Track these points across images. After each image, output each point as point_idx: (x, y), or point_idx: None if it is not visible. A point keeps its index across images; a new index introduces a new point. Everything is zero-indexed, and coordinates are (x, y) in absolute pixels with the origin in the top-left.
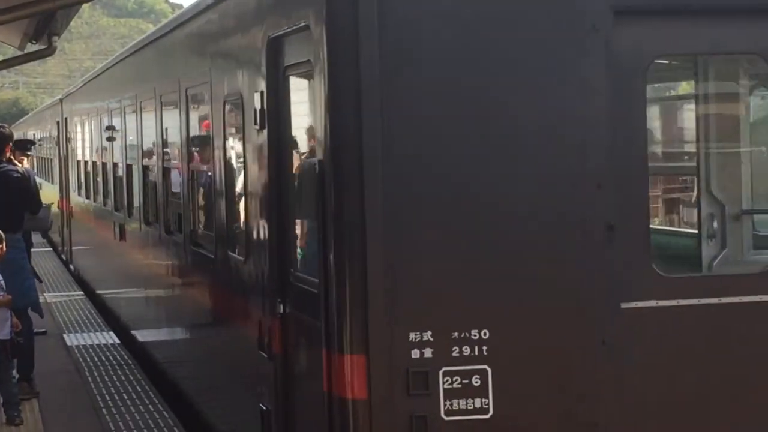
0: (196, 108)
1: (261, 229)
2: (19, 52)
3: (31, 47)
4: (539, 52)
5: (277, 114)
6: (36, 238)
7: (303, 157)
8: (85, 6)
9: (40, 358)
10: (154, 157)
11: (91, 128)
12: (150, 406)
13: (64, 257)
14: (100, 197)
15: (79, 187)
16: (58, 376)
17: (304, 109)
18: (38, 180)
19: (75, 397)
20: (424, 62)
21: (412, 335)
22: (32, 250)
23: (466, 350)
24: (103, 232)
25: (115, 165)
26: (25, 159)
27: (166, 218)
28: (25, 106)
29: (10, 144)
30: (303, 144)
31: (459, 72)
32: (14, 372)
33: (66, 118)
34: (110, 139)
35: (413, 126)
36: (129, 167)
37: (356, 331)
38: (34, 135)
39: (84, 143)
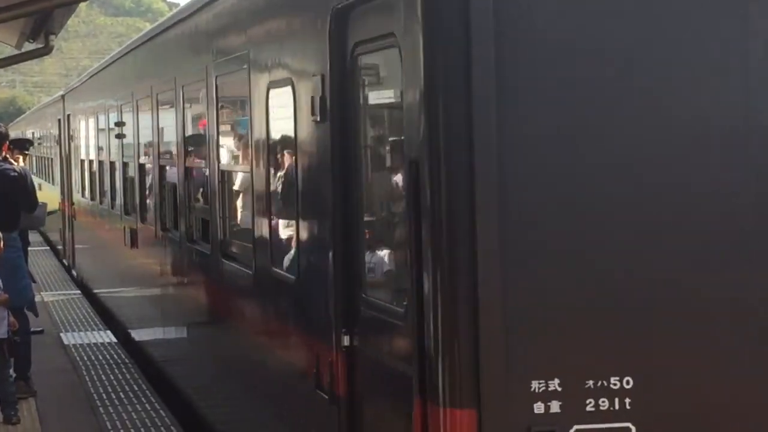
0: (229, 99)
1: (320, 242)
2: (16, 51)
3: (28, 46)
4: (695, 19)
5: (343, 102)
6: (33, 236)
7: (383, 155)
8: (83, 5)
9: (37, 357)
10: (174, 156)
11: (97, 125)
12: (147, 405)
13: (65, 262)
14: (107, 199)
15: (83, 188)
16: (55, 374)
17: (383, 94)
18: (38, 180)
19: (72, 395)
20: (555, 34)
21: (535, 384)
22: (29, 248)
23: (604, 403)
24: (111, 236)
25: (125, 164)
26: (21, 158)
27: (189, 224)
28: (22, 105)
29: (7, 143)
30: (382, 139)
31: (599, 47)
32: (11, 371)
33: (69, 115)
34: (120, 136)
35: (540, 118)
36: (142, 167)
37: (464, 378)
38: (33, 134)
39: (89, 141)
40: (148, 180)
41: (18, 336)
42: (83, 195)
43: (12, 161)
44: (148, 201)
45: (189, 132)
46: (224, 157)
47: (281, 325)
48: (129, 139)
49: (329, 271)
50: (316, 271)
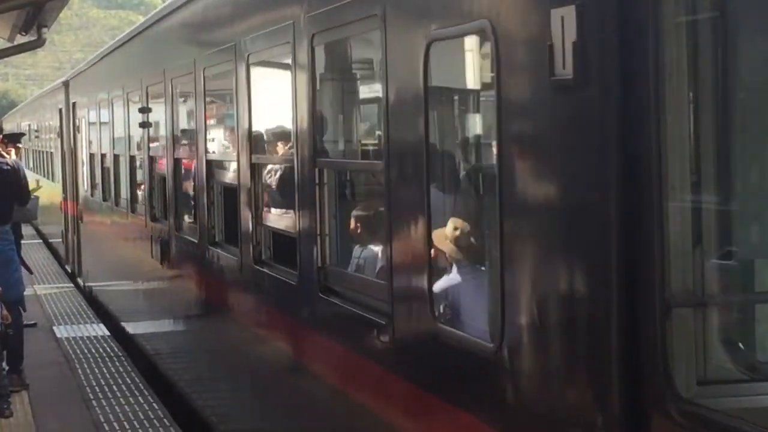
0: (339, 66)
1: (567, 290)
2: (9, 44)
3: (20, 39)
4: None
5: (630, 52)
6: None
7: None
8: None
9: (30, 350)
10: (233, 149)
11: (112, 113)
12: (140, 398)
13: (68, 267)
14: (126, 200)
15: (93, 186)
16: (48, 367)
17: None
18: (37, 177)
19: (65, 388)
20: None
21: None
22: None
23: None
24: (131, 245)
25: (152, 159)
26: (13, 151)
27: (256, 240)
28: (15, 98)
29: (1, 136)
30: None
31: None
32: (3, 364)
33: (74, 104)
34: (145, 125)
35: None
36: (178, 163)
37: None
38: (29, 126)
39: (101, 132)
40: (189, 179)
41: (11, 329)
42: (92, 194)
43: (4, 154)
44: (188, 206)
45: (256, 117)
46: (327, 150)
47: (457, 426)
48: (159, 129)
49: (599, 344)
50: (556, 341)
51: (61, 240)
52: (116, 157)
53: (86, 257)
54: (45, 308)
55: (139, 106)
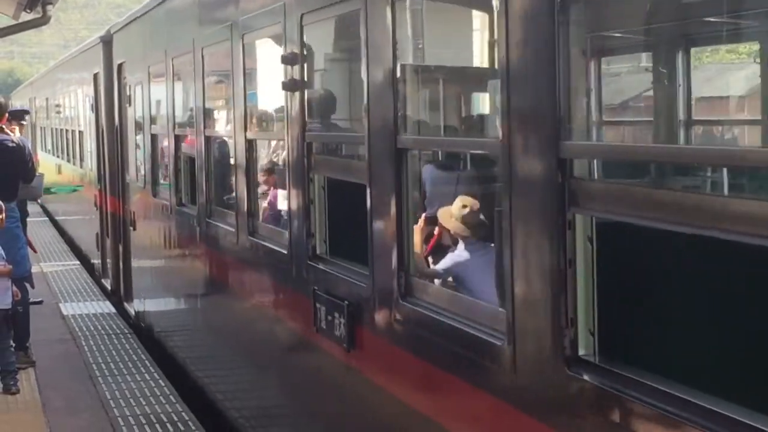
0: None
1: None
2: (13, 22)
3: (25, 16)
4: None
5: None
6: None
7: None
8: None
9: (37, 327)
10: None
11: (203, 74)
12: (146, 375)
13: (107, 284)
14: (237, 214)
15: (154, 181)
16: (55, 345)
17: None
18: (56, 161)
19: (71, 365)
20: None
21: None
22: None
23: None
24: (248, 296)
25: (309, 147)
26: (18, 128)
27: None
28: (21, 77)
29: (6, 114)
30: None
31: None
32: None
33: (121, 65)
34: (294, 87)
35: None
36: (402, 157)
37: None
38: (47, 99)
39: (173, 104)
40: (383, 180)
41: (20, 306)
42: (155, 193)
43: (9, 131)
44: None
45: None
46: None
47: None
48: (297, 98)
49: None
50: None
51: (95, 246)
52: (208, 140)
53: (143, 283)
54: (51, 285)
55: (282, 53)
